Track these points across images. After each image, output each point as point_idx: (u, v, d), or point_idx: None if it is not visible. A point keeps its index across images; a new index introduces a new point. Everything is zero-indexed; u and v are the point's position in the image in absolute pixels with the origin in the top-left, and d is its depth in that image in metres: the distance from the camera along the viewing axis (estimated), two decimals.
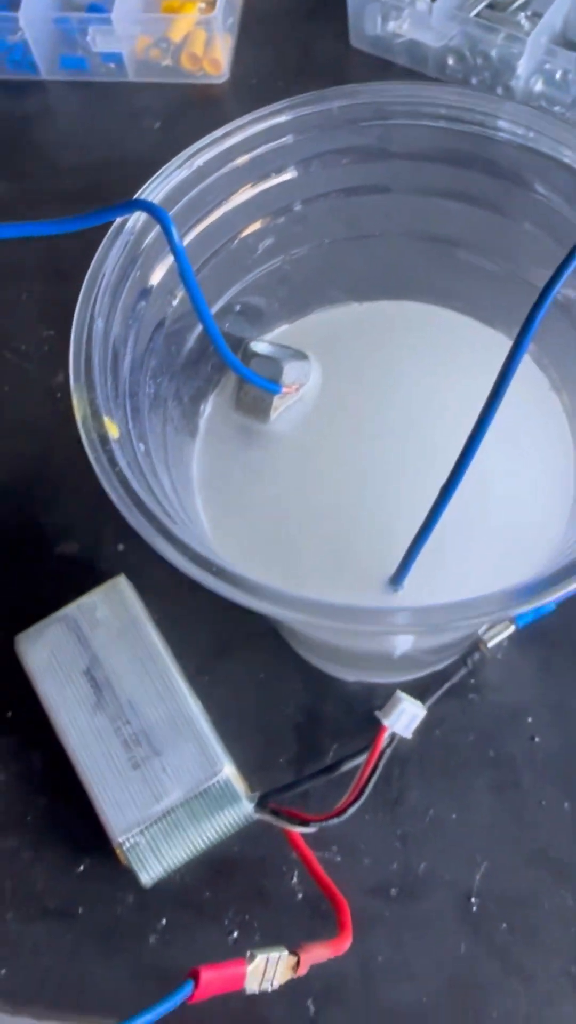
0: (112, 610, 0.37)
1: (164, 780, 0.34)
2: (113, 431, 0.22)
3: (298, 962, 0.28)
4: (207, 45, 0.51)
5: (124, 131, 0.52)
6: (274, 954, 0.27)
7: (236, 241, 0.28)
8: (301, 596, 0.20)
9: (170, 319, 0.27)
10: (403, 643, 0.32)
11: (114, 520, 0.41)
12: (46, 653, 0.37)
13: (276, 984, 0.27)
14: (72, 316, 0.46)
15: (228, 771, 0.34)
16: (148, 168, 0.27)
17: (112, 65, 0.52)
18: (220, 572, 0.21)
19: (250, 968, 0.26)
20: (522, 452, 0.29)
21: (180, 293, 0.27)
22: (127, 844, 0.34)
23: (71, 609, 0.37)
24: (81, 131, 0.53)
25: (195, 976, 0.24)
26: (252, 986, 0.26)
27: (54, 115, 0.54)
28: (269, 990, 0.28)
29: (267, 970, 0.27)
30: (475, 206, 0.27)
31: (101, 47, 0.50)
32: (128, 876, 0.35)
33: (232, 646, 0.39)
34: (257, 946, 0.30)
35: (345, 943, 0.31)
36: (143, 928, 0.35)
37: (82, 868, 0.36)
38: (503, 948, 0.34)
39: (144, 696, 0.36)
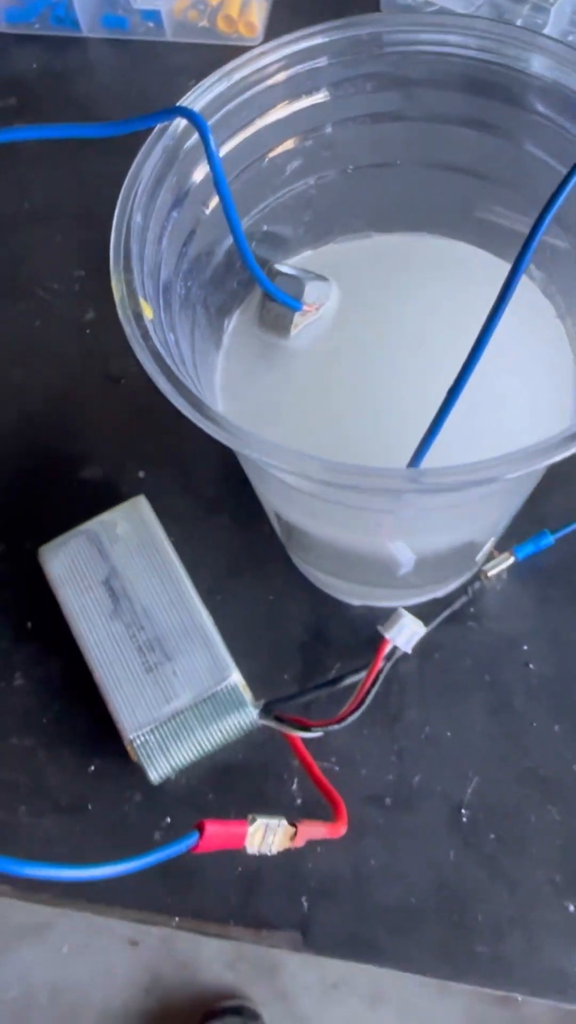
0: (132, 526, 0.39)
1: (175, 684, 0.36)
2: (147, 312, 0.24)
3: (295, 833, 0.30)
4: (243, 8, 0.53)
5: (160, 88, 0.54)
6: (274, 821, 0.29)
7: (266, 160, 0.29)
8: (315, 455, 0.21)
9: (201, 229, 0.29)
10: (406, 559, 0.34)
11: (135, 448, 0.44)
12: (67, 563, 0.39)
13: (274, 850, 0.29)
14: (104, 259, 0.49)
15: (236, 678, 0.36)
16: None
17: (151, 24, 0.54)
18: (244, 435, 0.22)
19: (251, 829, 0.28)
20: (525, 373, 0.31)
21: (212, 204, 0.29)
22: (138, 741, 0.36)
23: (93, 524, 0.39)
24: (119, 87, 0.55)
25: (200, 827, 0.26)
26: (251, 847, 0.28)
27: (93, 71, 0.56)
28: (268, 854, 0.29)
29: (266, 834, 0.28)
30: (497, 137, 0.29)
31: (141, 4, 0.52)
32: (136, 776, 0.37)
33: (243, 568, 0.41)
34: None
35: (340, 828, 0.33)
36: (149, 825, 0.37)
37: (93, 768, 0.38)
38: (490, 857, 0.36)
39: (159, 606, 0.38)
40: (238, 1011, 1.30)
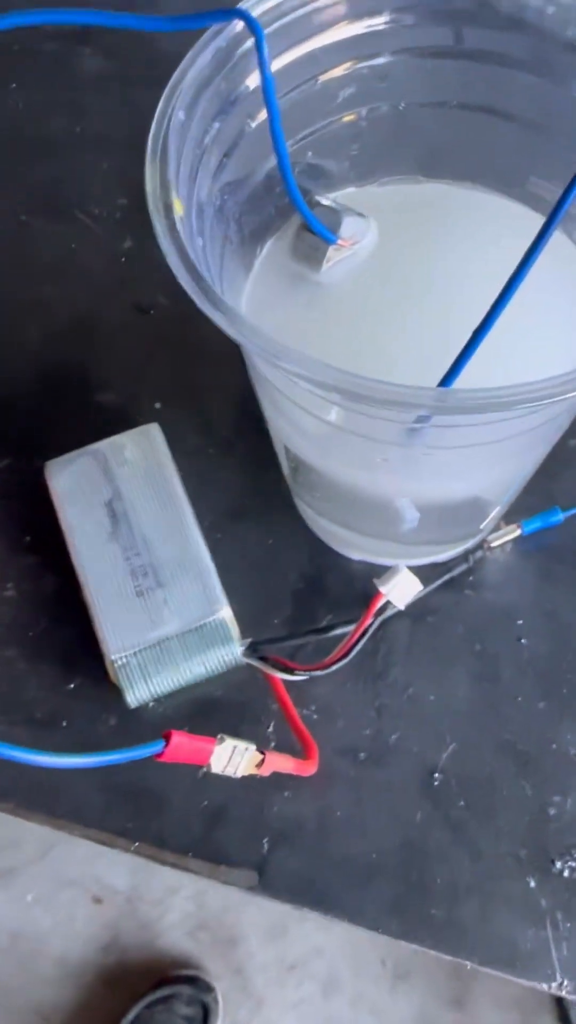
0: (141, 452, 0.39)
1: (164, 611, 0.36)
2: (179, 207, 0.23)
3: (263, 760, 0.29)
4: None
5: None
6: (242, 744, 0.28)
7: (319, 83, 0.29)
8: (334, 368, 0.21)
9: (245, 142, 0.28)
10: (411, 515, 0.34)
11: (155, 380, 0.44)
12: (72, 481, 0.39)
13: (239, 773, 0.29)
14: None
15: (225, 613, 0.36)
16: None
17: None
18: (256, 332, 0.22)
19: (218, 747, 0.27)
20: (558, 324, 0.30)
21: (259, 118, 0.28)
22: (119, 662, 0.35)
23: (102, 445, 0.39)
24: None
25: (167, 737, 0.25)
26: (216, 765, 0.28)
27: (159, 4, 0.55)
28: (233, 775, 0.29)
29: (233, 756, 0.28)
30: (557, 86, 0.28)
31: None
32: (114, 700, 0.37)
33: (248, 510, 0.41)
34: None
35: (310, 768, 0.33)
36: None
37: (72, 686, 0.38)
38: (457, 823, 0.35)
39: (158, 534, 0.38)
40: (192, 981, 1.31)
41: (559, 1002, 1.26)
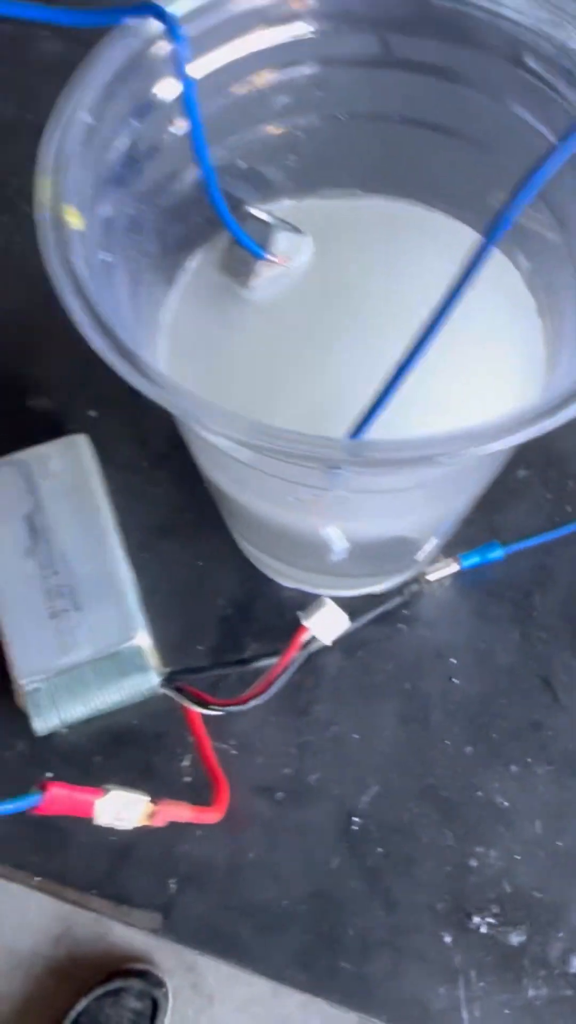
0: (67, 464, 0.37)
1: (78, 635, 0.34)
2: (74, 220, 0.22)
3: (155, 812, 0.28)
4: None
5: None
6: (133, 796, 0.27)
7: (251, 88, 0.27)
8: (249, 417, 0.19)
9: (168, 149, 0.26)
10: (339, 547, 0.32)
11: (92, 386, 0.42)
12: None
13: (130, 825, 0.27)
14: None
15: (142, 639, 0.34)
16: None
17: None
18: (167, 384, 0.20)
19: (100, 801, 0.26)
20: (492, 363, 0.28)
21: (183, 125, 0.26)
22: (28, 687, 0.34)
23: (26, 454, 0.37)
24: None
25: (44, 788, 0.24)
26: (102, 818, 0.26)
27: None
28: (126, 828, 0.27)
29: (122, 809, 0.26)
30: (486, 96, 0.26)
31: None
32: (23, 724, 0.35)
33: (178, 529, 0.39)
34: None
35: (215, 816, 0.31)
36: (28, 777, 0.35)
37: None
38: (374, 871, 0.34)
39: (78, 552, 0.36)
40: (143, 975, 1.30)
41: None
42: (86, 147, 0.23)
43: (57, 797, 0.24)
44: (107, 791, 0.26)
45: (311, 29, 0.26)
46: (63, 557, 0.36)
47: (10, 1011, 1.34)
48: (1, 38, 0.50)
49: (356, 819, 0.34)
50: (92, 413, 0.41)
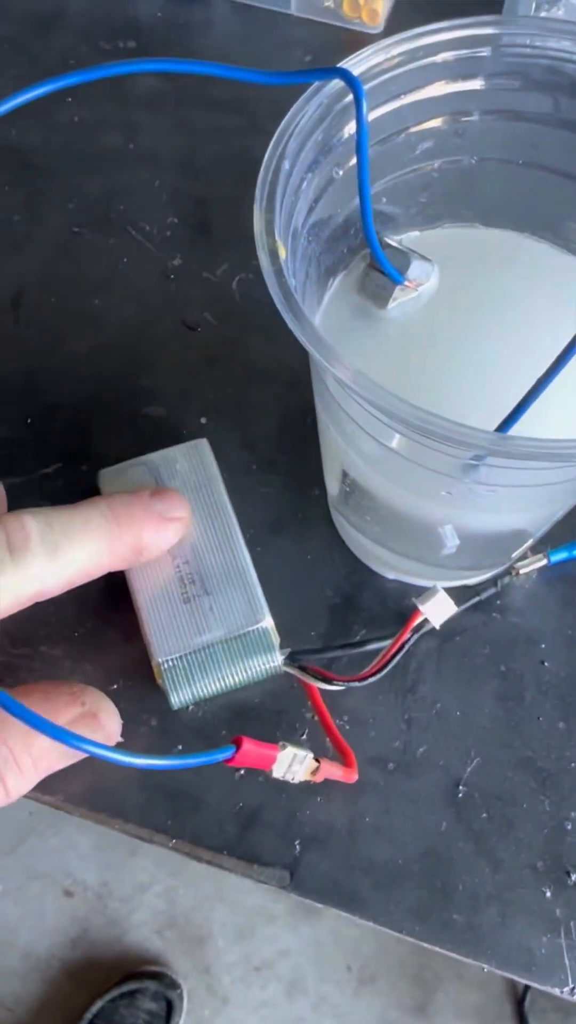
0: (191, 465, 0.41)
1: (210, 618, 0.38)
2: (282, 252, 0.25)
3: (318, 768, 0.31)
4: None
5: (274, 57, 0.56)
6: (301, 752, 0.30)
7: (403, 135, 0.31)
8: (409, 403, 0.23)
9: (333, 188, 0.30)
10: (452, 542, 0.36)
11: (201, 396, 0.46)
12: (125, 489, 0.40)
13: (296, 779, 0.31)
14: (199, 210, 0.50)
15: (268, 622, 0.38)
16: (290, 92, 0.29)
17: None
18: (360, 375, 0.24)
19: (281, 754, 0.29)
20: None
21: (345, 167, 0.30)
22: (166, 664, 0.37)
23: (155, 456, 0.41)
24: (235, 48, 0.57)
25: (238, 743, 0.27)
26: (278, 771, 0.30)
27: (212, 27, 0.57)
28: (291, 780, 0.31)
29: (292, 763, 0.30)
30: None
31: None
32: (156, 701, 0.39)
33: (287, 526, 0.43)
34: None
35: (353, 775, 0.35)
36: (161, 749, 0.39)
37: (115, 687, 0.40)
38: (480, 834, 0.37)
39: (206, 544, 0.39)
40: (158, 977, 1.32)
41: (520, 1012, 1.29)
42: (284, 189, 0.27)
43: (248, 751, 0.27)
44: (284, 746, 0.30)
45: (478, 84, 0.30)
46: (192, 549, 0.39)
47: (27, 1012, 1.36)
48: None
49: (461, 787, 0.38)
50: (203, 420, 0.45)
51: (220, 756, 0.27)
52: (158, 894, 1.36)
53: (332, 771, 0.33)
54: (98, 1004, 1.30)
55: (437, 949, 0.36)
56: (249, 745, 0.27)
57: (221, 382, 0.46)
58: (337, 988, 1.34)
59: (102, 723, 0.35)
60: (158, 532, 0.36)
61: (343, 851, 0.37)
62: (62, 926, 1.36)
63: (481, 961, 0.36)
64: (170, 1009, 1.30)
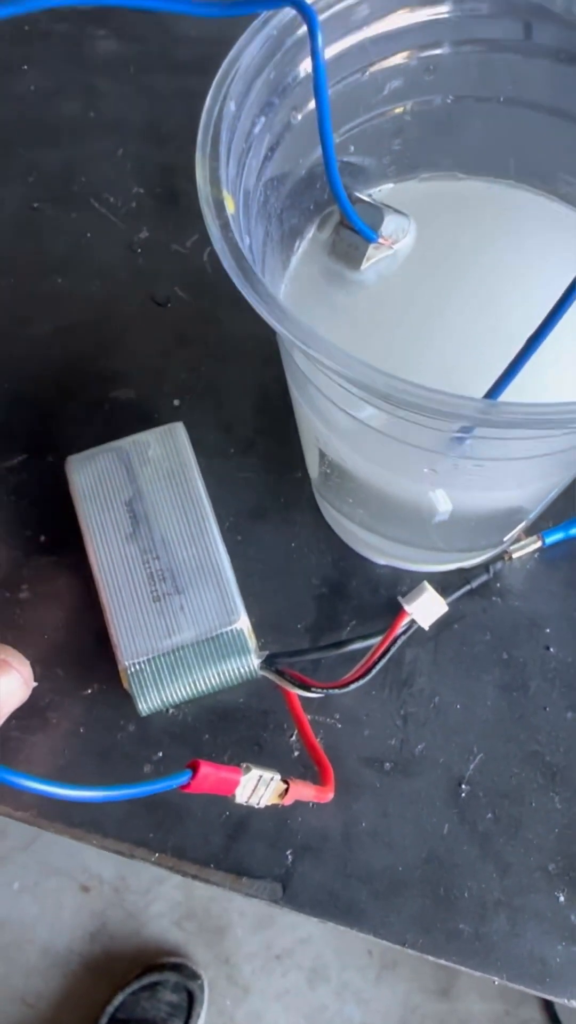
0: (164, 451, 0.38)
1: (180, 618, 0.35)
2: (230, 205, 0.22)
3: (286, 791, 0.28)
4: None
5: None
6: (267, 774, 0.27)
7: (367, 74, 0.28)
8: (382, 372, 0.20)
9: (290, 135, 0.27)
10: (444, 508, 0.33)
11: (173, 376, 0.43)
12: (93, 478, 0.37)
13: (262, 803, 0.28)
14: (166, 179, 0.47)
15: (243, 623, 0.35)
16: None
17: None
18: (323, 342, 0.21)
19: (244, 778, 0.27)
20: None
21: (304, 111, 0.27)
22: (132, 668, 0.34)
23: (125, 442, 0.38)
24: None
25: (195, 767, 0.24)
26: (241, 796, 0.27)
27: None
28: (256, 806, 0.28)
29: (257, 787, 0.27)
30: None
31: None
32: (132, 706, 0.36)
33: (270, 512, 0.40)
34: None
35: (327, 794, 0.32)
36: (140, 756, 0.36)
37: (89, 692, 0.37)
38: (485, 835, 0.35)
39: (178, 537, 0.36)
40: (178, 968, 1.31)
41: None
42: (231, 134, 0.24)
43: (205, 776, 0.24)
44: (247, 769, 0.27)
45: (444, 10, 0.26)
46: (164, 542, 0.36)
47: (48, 1008, 1.35)
48: (59, 38, 0.50)
49: (464, 786, 0.35)
50: (175, 402, 0.42)
51: (173, 783, 0.24)
52: (175, 885, 1.35)
53: (304, 792, 0.30)
54: (120, 997, 1.29)
55: (443, 962, 0.33)
56: (207, 769, 0.24)
57: (194, 361, 0.43)
58: (359, 974, 1.32)
59: (16, 668, 0.33)
60: None
61: (338, 859, 0.34)
62: (80, 921, 1.35)
63: (491, 973, 0.33)
64: (191, 1000, 1.29)
